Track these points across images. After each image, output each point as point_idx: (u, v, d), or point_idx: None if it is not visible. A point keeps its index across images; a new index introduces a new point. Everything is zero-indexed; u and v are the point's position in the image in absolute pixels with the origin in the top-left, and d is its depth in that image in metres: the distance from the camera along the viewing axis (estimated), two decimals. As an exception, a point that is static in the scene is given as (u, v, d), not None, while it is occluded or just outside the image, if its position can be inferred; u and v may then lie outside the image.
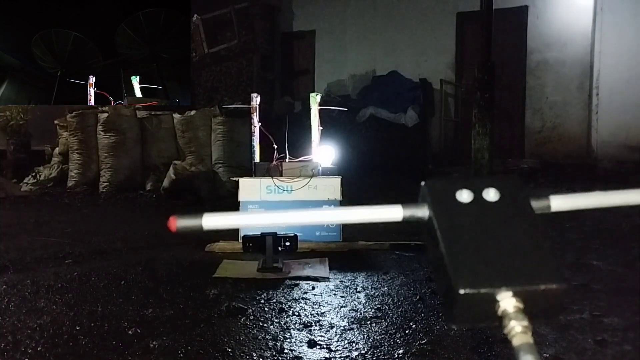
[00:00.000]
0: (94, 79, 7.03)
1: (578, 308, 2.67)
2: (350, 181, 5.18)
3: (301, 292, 3.08)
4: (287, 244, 3.53)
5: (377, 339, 2.38)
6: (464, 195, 0.57)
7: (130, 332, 2.44)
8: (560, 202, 0.59)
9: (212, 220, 0.58)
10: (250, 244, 3.56)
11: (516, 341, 0.49)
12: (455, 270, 0.51)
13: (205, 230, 0.58)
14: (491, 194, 0.57)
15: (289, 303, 2.88)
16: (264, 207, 4.22)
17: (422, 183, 0.59)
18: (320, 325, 2.55)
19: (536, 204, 0.58)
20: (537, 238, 0.54)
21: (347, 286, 3.19)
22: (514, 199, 0.58)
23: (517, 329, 0.49)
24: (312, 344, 2.33)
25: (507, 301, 0.50)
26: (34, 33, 6.96)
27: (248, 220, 0.62)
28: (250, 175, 4.47)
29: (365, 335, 2.43)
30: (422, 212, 0.58)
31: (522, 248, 0.54)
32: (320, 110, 4.58)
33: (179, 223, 0.58)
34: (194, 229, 0.58)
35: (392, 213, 0.59)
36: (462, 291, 0.50)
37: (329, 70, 11.24)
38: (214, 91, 10.08)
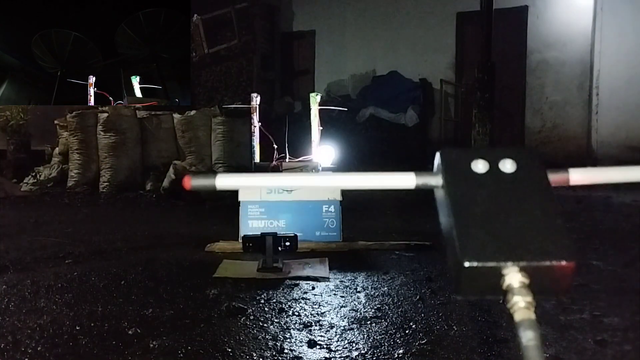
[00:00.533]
0: (94, 79, 7.04)
1: (578, 308, 2.67)
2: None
3: (301, 292, 3.08)
4: (287, 244, 3.53)
5: (377, 339, 2.38)
6: (479, 166, 0.56)
7: (130, 332, 2.44)
8: (578, 176, 0.58)
9: (225, 180, 0.59)
10: (250, 244, 3.56)
11: (518, 316, 0.48)
12: (462, 242, 0.51)
13: (219, 190, 0.58)
14: (507, 165, 0.56)
15: (289, 303, 2.88)
16: (264, 207, 4.22)
17: (437, 152, 0.58)
18: (320, 325, 2.55)
19: (554, 177, 0.57)
20: (550, 213, 0.53)
21: (347, 286, 3.19)
22: (530, 171, 0.56)
23: (520, 305, 0.48)
24: (312, 344, 2.33)
25: (512, 276, 0.49)
26: (34, 33, 6.96)
27: (259, 181, 0.62)
28: (250, 175, 4.46)
29: (365, 335, 2.43)
30: (436, 180, 0.57)
31: (533, 222, 0.52)
32: (320, 110, 4.58)
33: (193, 182, 0.58)
34: (207, 188, 0.59)
35: (405, 180, 0.59)
36: (467, 264, 0.49)
37: (329, 70, 11.25)
38: (214, 91, 10.09)
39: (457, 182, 0.55)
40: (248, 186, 0.62)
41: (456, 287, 0.52)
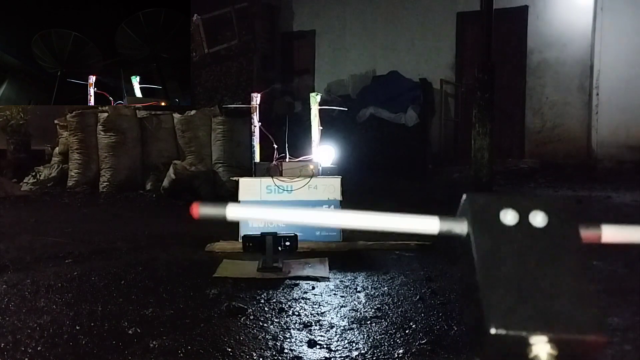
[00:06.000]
0: (94, 78, 7.04)
1: (578, 308, 2.67)
2: (351, 181, 5.18)
3: (301, 292, 3.08)
4: (287, 243, 3.53)
5: (377, 339, 2.38)
6: (509, 217, 0.53)
7: (130, 332, 2.44)
8: (611, 232, 0.55)
9: (236, 211, 0.56)
10: (250, 244, 3.56)
11: None
12: (488, 305, 0.47)
13: (229, 220, 0.56)
14: (538, 218, 0.53)
15: (289, 303, 2.88)
16: (264, 207, 4.21)
17: (464, 195, 0.55)
18: (320, 325, 2.55)
19: (585, 233, 0.54)
20: (581, 277, 0.50)
21: (347, 286, 3.19)
22: (562, 227, 0.53)
23: None
24: (312, 343, 2.33)
25: (540, 346, 0.47)
26: (34, 33, 6.96)
27: (273, 215, 0.59)
28: (250, 175, 4.47)
29: (365, 335, 2.43)
30: (461, 227, 0.54)
31: (564, 287, 0.49)
32: (320, 110, 4.57)
33: (201, 211, 0.55)
34: (216, 217, 0.56)
35: (428, 224, 0.55)
36: (493, 330, 0.46)
37: (329, 70, 11.25)
38: (214, 91, 10.08)
39: (484, 234, 0.52)
40: (259, 217, 0.60)
41: (477, 351, 0.49)
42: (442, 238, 0.55)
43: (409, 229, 0.56)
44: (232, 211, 0.56)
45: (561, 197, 0.54)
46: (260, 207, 0.59)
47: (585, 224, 0.55)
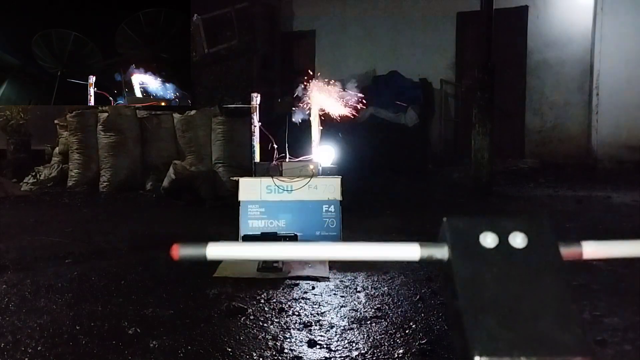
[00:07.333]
0: (94, 78, 7.03)
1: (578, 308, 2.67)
2: (350, 181, 5.18)
3: (301, 291, 3.08)
4: (287, 243, 3.53)
5: (377, 339, 2.38)
6: (489, 239, 0.53)
7: (130, 331, 2.44)
8: (592, 249, 0.55)
9: (216, 250, 0.56)
10: (250, 244, 3.56)
11: None
12: (472, 332, 0.47)
13: (209, 260, 0.55)
14: (518, 240, 0.53)
15: (289, 303, 2.88)
16: (264, 207, 4.21)
17: (444, 219, 0.55)
18: (320, 325, 2.55)
19: (566, 251, 0.54)
20: (564, 298, 0.50)
21: (347, 286, 3.19)
22: (542, 246, 0.53)
23: None
24: (312, 343, 2.33)
25: None
26: (34, 33, 6.96)
27: (255, 252, 0.58)
28: (250, 175, 4.47)
29: (365, 335, 2.43)
30: (442, 252, 0.54)
31: (546, 309, 0.49)
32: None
33: (181, 252, 0.55)
34: (197, 259, 0.55)
35: (409, 252, 0.56)
36: (477, 358, 0.46)
37: (329, 70, 11.25)
38: (214, 91, 10.07)
39: (465, 258, 0.52)
40: (241, 256, 0.58)
41: None
42: (442, 238, 0.55)
43: (391, 257, 0.56)
44: (212, 250, 0.56)
45: (541, 216, 0.54)
46: (242, 243, 0.58)
47: (566, 242, 0.55)
